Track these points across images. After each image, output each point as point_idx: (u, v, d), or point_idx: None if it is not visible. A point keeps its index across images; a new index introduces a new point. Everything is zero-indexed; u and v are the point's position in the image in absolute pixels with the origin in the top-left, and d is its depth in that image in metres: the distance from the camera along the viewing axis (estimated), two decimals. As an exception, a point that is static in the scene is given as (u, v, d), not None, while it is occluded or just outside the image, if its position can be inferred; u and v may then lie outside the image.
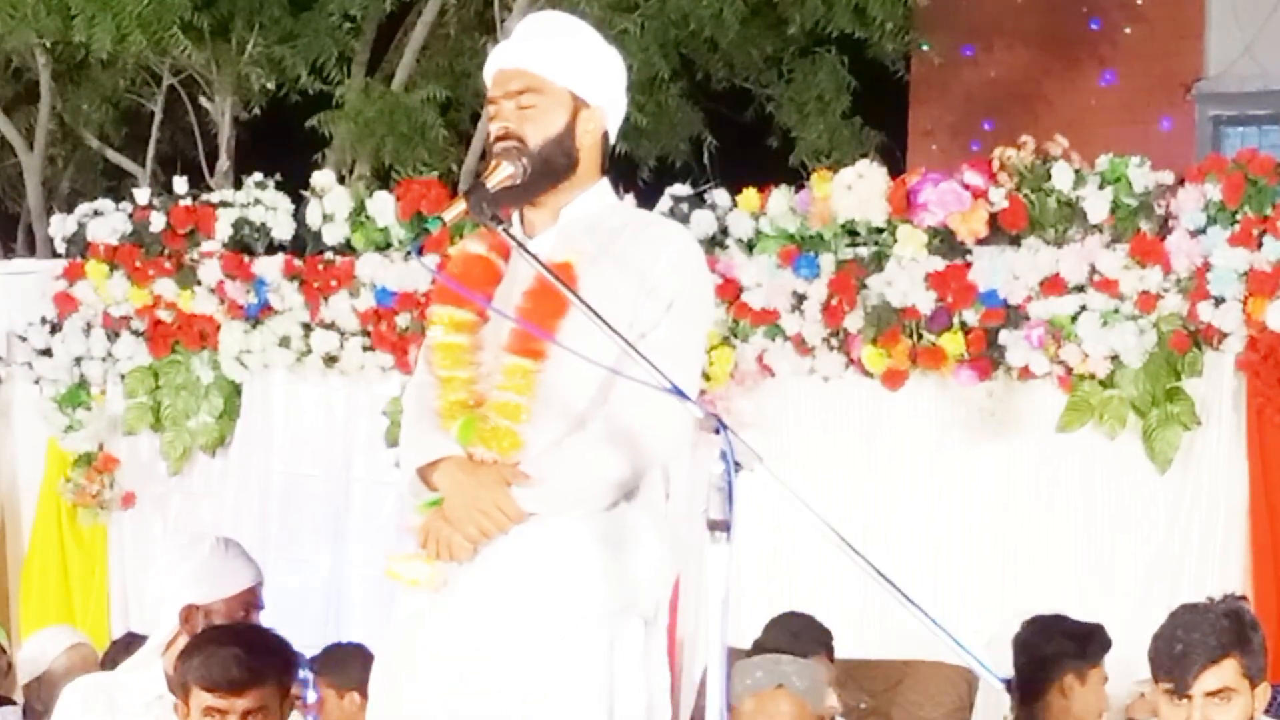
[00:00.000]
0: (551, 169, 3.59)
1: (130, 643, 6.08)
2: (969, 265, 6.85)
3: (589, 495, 3.49)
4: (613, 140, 3.76)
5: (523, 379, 3.51)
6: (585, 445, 3.48)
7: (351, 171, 10.02)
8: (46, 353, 8.09)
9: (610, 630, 3.49)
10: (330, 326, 7.67)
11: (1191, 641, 3.96)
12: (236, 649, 4.20)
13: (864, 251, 7.01)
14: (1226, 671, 3.96)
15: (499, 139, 3.60)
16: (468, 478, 3.50)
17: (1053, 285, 6.72)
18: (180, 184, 8.04)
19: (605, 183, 3.74)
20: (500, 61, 3.67)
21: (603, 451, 3.47)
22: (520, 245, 3.45)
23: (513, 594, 3.47)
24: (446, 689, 3.47)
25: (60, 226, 8.19)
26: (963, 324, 6.82)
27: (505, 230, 3.44)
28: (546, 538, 3.49)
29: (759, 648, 5.48)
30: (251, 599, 4.67)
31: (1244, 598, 4.37)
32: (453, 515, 3.49)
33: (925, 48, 10.87)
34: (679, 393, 3.20)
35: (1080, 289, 6.71)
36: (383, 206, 7.63)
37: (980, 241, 6.87)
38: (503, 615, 3.47)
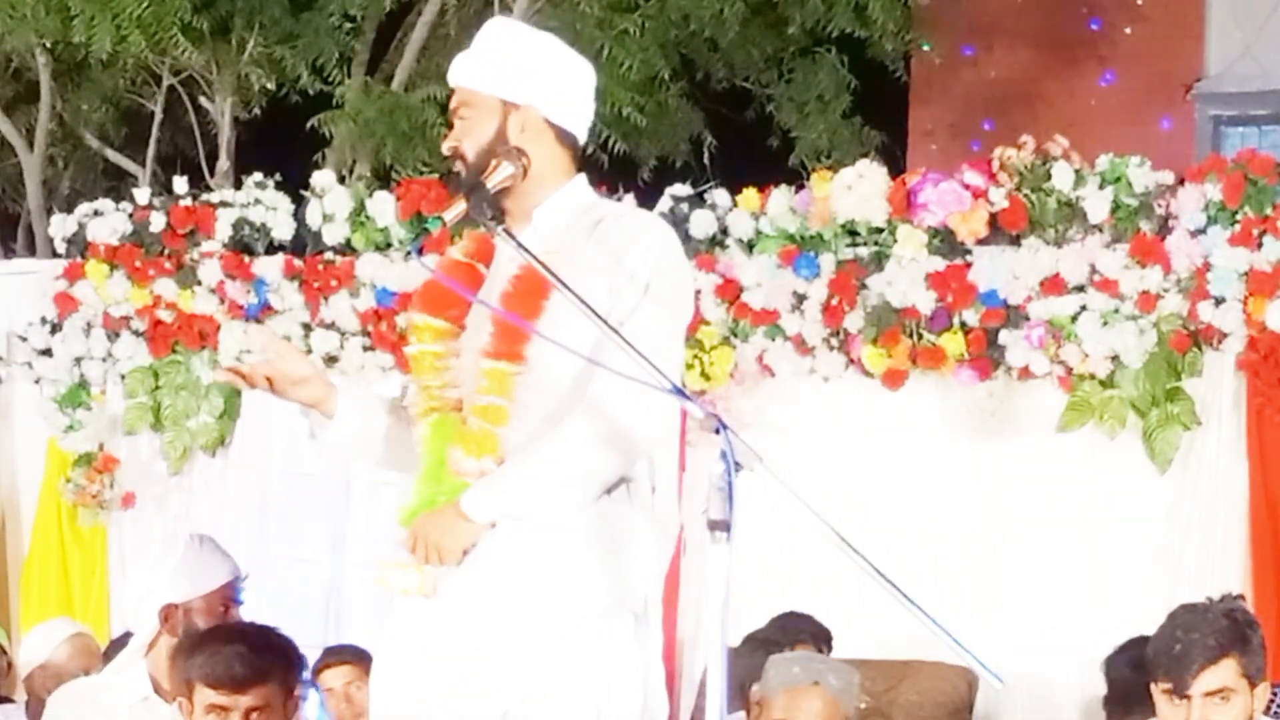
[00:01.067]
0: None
1: (127, 641, 6.08)
2: (969, 265, 6.85)
3: (569, 492, 3.48)
4: (580, 135, 3.74)
5: (502, 383, 3.51)
6: (562, 442, 3.48)
7: (352, 171, 10.01)
8: (46, 353, 8.09)
9: (601, 627, 3.49)
10: (330, 327, 7.67)
11: (1190, 641, 3.95)
12: (241, 646, 4.21)
13: (864, 251, 7.01)
14: (1225, 671, 3.95)
15: (449, 159, 3.68)
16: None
17: (1053, 285, 6.72)
18: (180, 184, 8.03)
19: (579, 180, 3.72)
20: (448, 80, 3.76)
21: (581, 447, 3.46)
22: (517, 243, 3.44)
23: (505, 594, 3.47)
24: (446, 689, 3.47)
25: (60, 226, 8.19)
26: (963, 324, 6.82)
27: (504, 230, 3.44)
28: (535, 537, 3.48)
29: (749, 640, 5.49)
30: (230, 594, 4.67)
31: (1241, 597, 4.35)
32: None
33: (925, 47, 10.87)
34: (679, 392, 3.20)
35: (1080, 289, 6.70)
36: (383, 206, 7.63)
37: (980, 241, 6.87)
38: (498, 615, 3.47)
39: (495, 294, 3.58)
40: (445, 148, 3.69)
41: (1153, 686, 4.07)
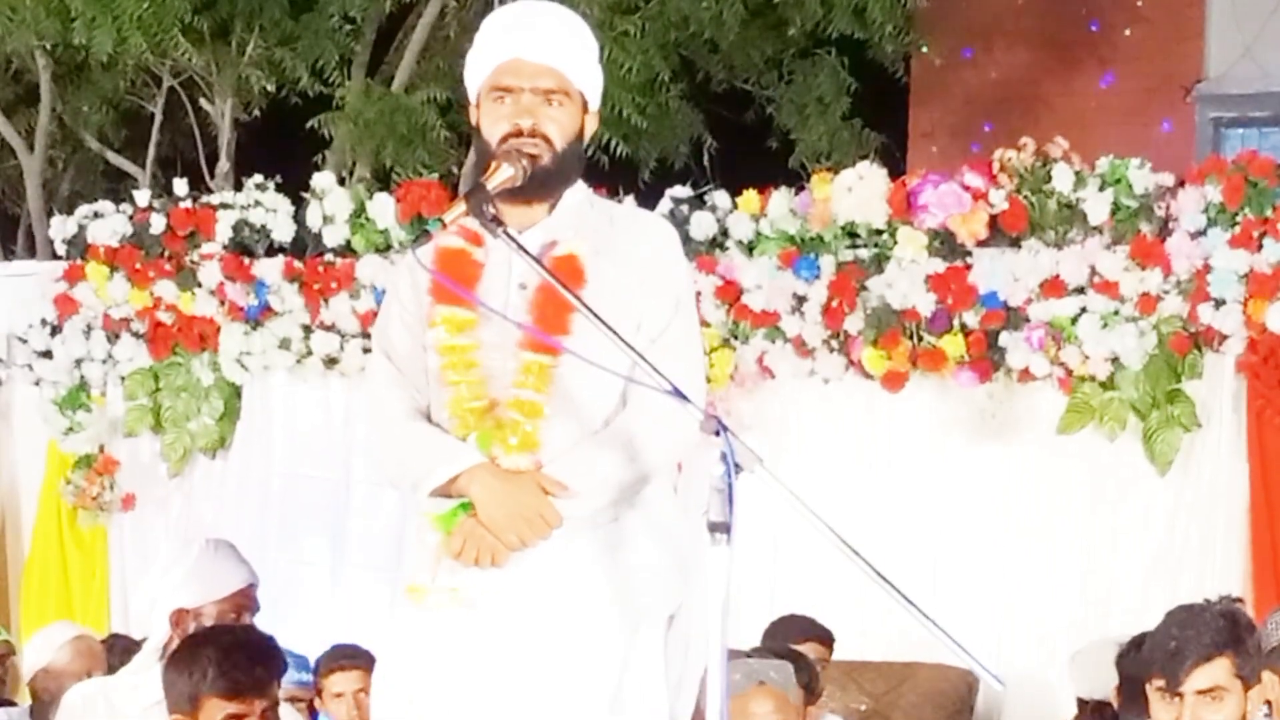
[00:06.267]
0: (569, 171, 3.59)
1: (115, 644, 6.07)
2: (969, 267, 6.85)
3: (608, 499, 3.50)
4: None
5: (539, 375, 3.50)
6: (609, 450, 3.48)
7: (351, 173, 10.01)
8: (47, 354, 8.09)
9: (631, 628, 3.49)
10: (330, 328, 7.67)
11: (1185, 639, 3.95)
12: (245, 650, 4.16)
13: (864, 253, 7.01)
14: (1219, 670, 3.94)
15: (524, 134, 3.52)
16: (505, 485, 3.47)
17: (1053, 287, 6.72)
18: (180, 186, 8.04)
19: None
20: (525, 51, 3.57)
21: (623, 455, 3.47)
22: (519, 247, 3.42)
23: (542, 599, 3.47)
24: (476, 699, 3.45)
25: (60, 228, 8.19)
26: (963, 326, 6.82)
27: (507, 234, 3.41)
28: (563, 546, 3.48)
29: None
30: (244, 601, 4.63)
31: (1240, 600, 4.34)
32: (494, 524, 3.46)
33: (925, 49, 10.87)
34: (679, 394, 3.20)
35: (1080, 291, 6.71)
36: (383, 208, 7.64)
37: (980, 243, 6.87)
38: (534, 620, 3.46)
39: (515, 283, 3.53)
40: (524, 122, 3.51)
41: (1147, 685, 4.06)
